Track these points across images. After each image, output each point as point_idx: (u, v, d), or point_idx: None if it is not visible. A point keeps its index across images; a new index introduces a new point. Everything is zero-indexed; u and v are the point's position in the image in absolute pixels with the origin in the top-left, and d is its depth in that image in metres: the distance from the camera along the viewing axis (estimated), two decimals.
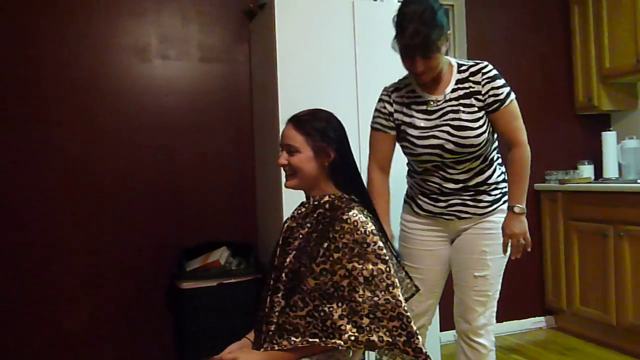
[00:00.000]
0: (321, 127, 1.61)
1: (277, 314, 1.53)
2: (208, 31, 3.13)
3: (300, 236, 1.60)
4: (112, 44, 2.96)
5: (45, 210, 2.83)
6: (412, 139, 1.96)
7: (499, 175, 2.02)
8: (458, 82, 1.94)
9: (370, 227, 1.51)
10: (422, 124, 1.95)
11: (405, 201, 2.17)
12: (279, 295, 1.55)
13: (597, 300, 3.36)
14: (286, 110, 1.81)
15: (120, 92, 2.97)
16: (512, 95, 1.93)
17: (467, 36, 3.73)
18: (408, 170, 2.14)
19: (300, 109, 1.70)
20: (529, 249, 1.95)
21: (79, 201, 2.88)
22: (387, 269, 1.48)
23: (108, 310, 2.93)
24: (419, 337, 1.46)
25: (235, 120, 3.18)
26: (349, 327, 1.43)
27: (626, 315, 3.16)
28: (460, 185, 1.98)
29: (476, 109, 1.91)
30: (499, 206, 2.01)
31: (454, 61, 1.98)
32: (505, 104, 1.91)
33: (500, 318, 3.80)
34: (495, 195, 2.01)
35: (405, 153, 2.03)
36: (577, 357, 3.24)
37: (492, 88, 1.90)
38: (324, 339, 1.43)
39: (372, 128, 2.08)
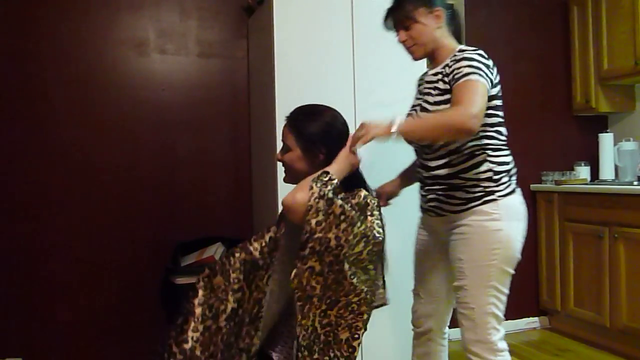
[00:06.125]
0: (312, 127, 1.61)
1: None
2: (207, 26, 3.13)
3: None
4: (110, 37, 2.95)
5: (41, 203, 2.82)
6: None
7: (483, 172, 1.78)
8: (445, 65, 1.81)
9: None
10: (414, 101, 2.00)
11: None
12: None
13: (591, 302, 3.36)
14: (283, 106, 1.80)
15: (117, 86, 2.96)
16: (473, 77, 1.67)
17: (465, 36, 3.70)
18: None
19: (298, 105, 1.69)
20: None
21: (74, 194, 2.88)
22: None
23: (102, 303, 2.92)
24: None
25: (233, 116, 3.18)
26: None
27: (620, 317, 3.17)
28: (431, 173, 1.85)
29: (441, 91, 1.79)
30: (476, 205, 1.77)
31: (460, 47, 1.87)
32: (459, 81, 1.69)
33: None
34: (474, 192, 1.78)
35: None
36: (570, 358, 3.25)
37: (455, 68, 1.74)
38: None
39: None
